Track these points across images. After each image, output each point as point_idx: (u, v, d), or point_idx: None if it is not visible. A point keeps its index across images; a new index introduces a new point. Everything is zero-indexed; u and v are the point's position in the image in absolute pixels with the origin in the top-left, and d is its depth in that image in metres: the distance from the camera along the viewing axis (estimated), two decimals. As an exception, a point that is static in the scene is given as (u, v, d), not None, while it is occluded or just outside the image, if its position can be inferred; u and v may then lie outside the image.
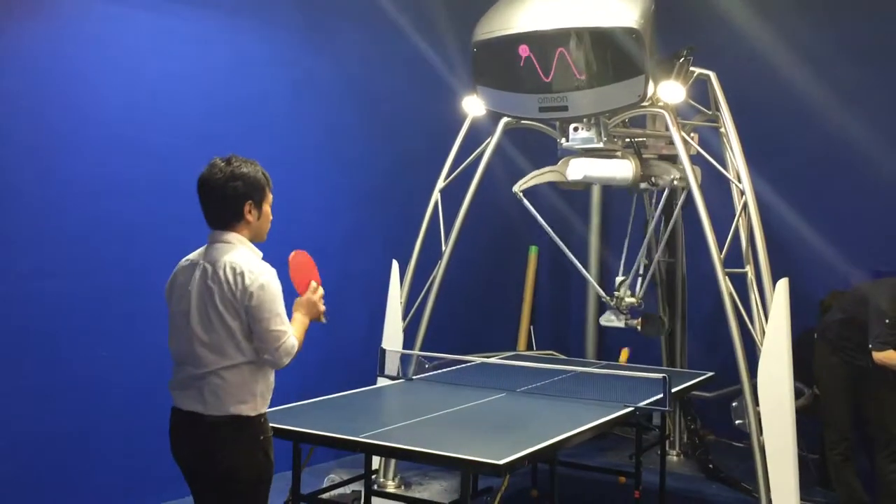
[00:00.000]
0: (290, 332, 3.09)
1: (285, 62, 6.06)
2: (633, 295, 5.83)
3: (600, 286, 6.41)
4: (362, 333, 6.44)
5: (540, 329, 8.26)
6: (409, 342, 5.95)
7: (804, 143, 6.81)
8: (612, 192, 7.73)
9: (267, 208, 3.22)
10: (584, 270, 5.92)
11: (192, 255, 3.20)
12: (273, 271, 3.10)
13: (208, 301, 3.05)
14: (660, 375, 4.48)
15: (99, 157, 5.00)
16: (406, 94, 6.85)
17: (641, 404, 4.49)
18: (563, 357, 7.07)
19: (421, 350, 5.83)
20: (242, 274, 3.02)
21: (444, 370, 5.45)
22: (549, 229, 5.79)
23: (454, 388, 4.99)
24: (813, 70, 6.58)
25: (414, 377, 5.26)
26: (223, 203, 3.12)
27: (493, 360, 5.43)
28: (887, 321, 4.98)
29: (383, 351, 5.24)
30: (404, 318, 5.94)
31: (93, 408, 4.93)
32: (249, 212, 3.14)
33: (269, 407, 3.20)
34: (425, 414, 4.31)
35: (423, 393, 4.93)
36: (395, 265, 5.92)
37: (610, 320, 5.92)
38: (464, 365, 5.45)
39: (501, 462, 3.37)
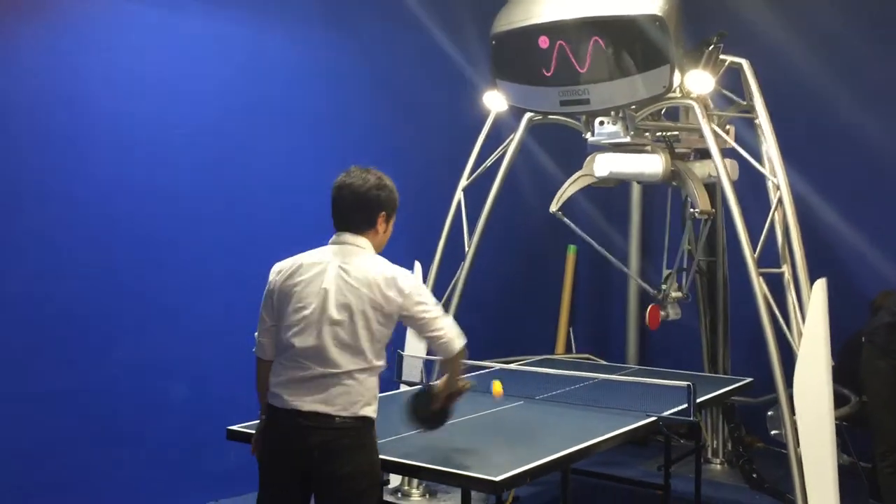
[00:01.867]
0: (446, 317, 3.26)
1: (305, 59, 5.92)
2: (679, 289, 5.70)
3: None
4: (394, 338, 6.28)
5: (580, 331, 8.01)
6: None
7: (853, 135, 6.43)
8: (654, 188, 7.44)
9: (391, 225, 3.31)
10: (624, 268, 5.72)
11: (317, 255, 3.18)
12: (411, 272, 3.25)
13: (355, 304, 3.05)
14: (685, 383, 4.21)
15: (110, 158, 4.92)
16: (432, 89, 6.66)
17: (665, 414, 4.23)
18: (599, 361, 6.81)
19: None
20: (394, 279, 3.09)
21: (466, 375, 5.22)
22: (590, 240, 5.67)
23: (471, 395, 4.74)
24: (861, 59, 6.22)
25: (433, 383, 5.05)
26: (363, 207, 3.19)
27: (512, 366, 5.20)
28: None
29: (400, 356, 5.07)
30: (428, 322, 5.75)
31: (104, 413, 4.85)
32: (381, 223, 3.23)
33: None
34: (436, 423, 4.11)
35: (438, 401, 4.74)
36: (417, 266, 5.73)
37: (677, 314, 5.82)
38: (486, 370, 5.23)
39: (498, 479, 3.18)
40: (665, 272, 5.89)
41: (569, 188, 5.49)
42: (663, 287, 5.74)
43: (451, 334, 3.22)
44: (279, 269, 3.21)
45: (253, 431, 3.44)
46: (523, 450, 3.66)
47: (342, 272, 3.08)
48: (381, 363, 3.16)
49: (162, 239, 5.12)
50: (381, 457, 3.53)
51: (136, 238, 5.01)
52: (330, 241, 3.25)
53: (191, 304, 5.21)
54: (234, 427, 3.82)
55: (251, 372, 3.33)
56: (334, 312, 3.04)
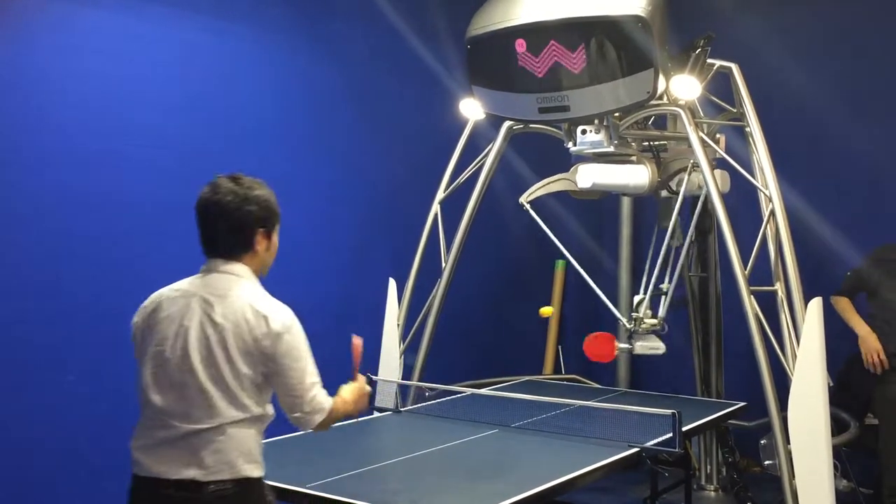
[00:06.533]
0: (320, 384, 2.71)
1: (273, 66, 5.63)
2: (653, 315, 5.15)
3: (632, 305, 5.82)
4: (366, 360, 5.96)
5: (570, 350, 7.67)
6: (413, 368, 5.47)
7: (849, 147, 6.12)
8: (646, 200, 7.14)
9: (276, 238, 2.82)
10: (598, 290, 5.22)
11: (182, 285, 2.74)
12: (293, 314, 2.68)
13: (217, 343, 2.59)
14: (669, 411, 3.90)
15: (65, 170, 4.60)
16: (407, 96, 6.36)
17: (649, 444, 3.92)
18: (587, 383, 6.49)
19: (424, 376, 5.36)
20: (266, 317, 2.60)
21: (438, 401, 4.94)
22: (557, 242, 5.19)
23: (443, 422, 4.48)
24: (859, 66, 5.93)
25: (402, 409, 4.75)
26: (232, 231, 2.71)
27: (483, 391, 4.89)
28: (848, 273, 4.94)
29: (372, 380, 4.76)
30: (403, 341, 5.44)
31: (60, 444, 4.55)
32: (259, 241, 2.74)
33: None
34: (398, 455, 3.80)
35: (406, 429, 4.44)
36: (391, 284, 5.43)
37: (652, 348, 5.14)
38: (457, 395, 4.92)
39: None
40: (637, 298, 5.27)
41: (545, 186, 5.15)
42: (634, 316, 5.13)
43: (315, 408, 2.70)
44: (142, 307, 2.77)
45: None
46: (489, 487, 3.34)
47: (206, 306, 2.62)
48: (260, 412, 2.65)
49: (114, 255, 4.81)
50: (317, 493, 3.19)
51: (87, 254, 4.70)
52: (200, 269, 2.79)
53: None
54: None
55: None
56: (196, 356, 2.58)
